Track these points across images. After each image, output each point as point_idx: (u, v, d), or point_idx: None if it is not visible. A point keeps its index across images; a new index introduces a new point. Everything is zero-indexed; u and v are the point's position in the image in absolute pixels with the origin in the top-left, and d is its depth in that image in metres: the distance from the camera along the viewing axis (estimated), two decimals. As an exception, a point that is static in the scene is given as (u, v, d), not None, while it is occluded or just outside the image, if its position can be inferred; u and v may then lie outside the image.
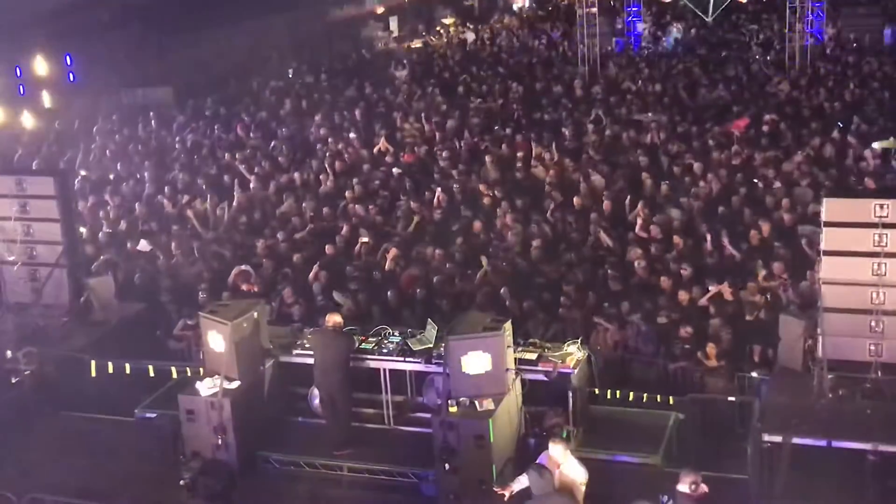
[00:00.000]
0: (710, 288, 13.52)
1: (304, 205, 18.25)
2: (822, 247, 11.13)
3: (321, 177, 19.83)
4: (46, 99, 25.99)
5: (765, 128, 21.07)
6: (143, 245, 16.34)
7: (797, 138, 20.27)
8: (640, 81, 27.53)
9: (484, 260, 14.91)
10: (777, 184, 17.20)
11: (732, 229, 15.31)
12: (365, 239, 16.14)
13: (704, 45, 33.61)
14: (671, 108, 23.85)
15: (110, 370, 12.84)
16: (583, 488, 9.25)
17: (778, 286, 13.50)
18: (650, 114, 23.00)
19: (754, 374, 12.01)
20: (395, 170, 20.03)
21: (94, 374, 12.91)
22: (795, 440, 10.22)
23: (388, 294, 14.36)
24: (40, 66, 25.93)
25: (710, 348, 12.29)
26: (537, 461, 9.16)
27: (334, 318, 11.91)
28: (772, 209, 16.13)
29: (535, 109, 24.84)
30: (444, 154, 20.72)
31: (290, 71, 32.09)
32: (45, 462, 12.13)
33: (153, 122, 25.71)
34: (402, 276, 15.06)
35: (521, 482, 9.31)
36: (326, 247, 16.12)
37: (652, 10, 38.03)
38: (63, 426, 12.94)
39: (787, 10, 29.53)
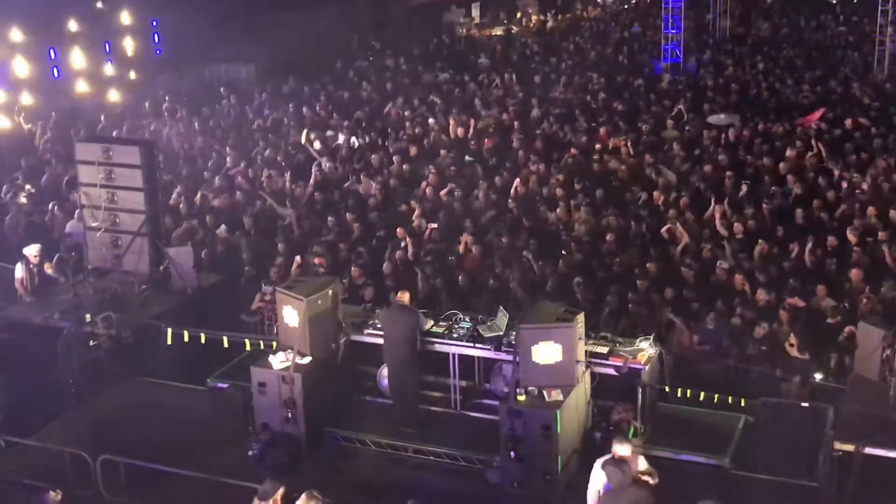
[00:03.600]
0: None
1: (379, 186, 18.36)
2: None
3: (395, 159, 19.91)
4: (133, 73, 26.58)
5: (840, 130, 20.68)
6: (223, 231, 16.56)
7: (882, 144, 19.82)
8: (720, 79, 27.20)
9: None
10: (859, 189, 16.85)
11: (812, 234, 15.05)
12: (434, 224, 16.20)
13: (791, 45, 32.98)
14: (752, 107, 23.46)
15: (185, 339, 13.06)
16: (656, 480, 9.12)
17: (857, 293, 13.25)
18: (723, 115, 22.63)
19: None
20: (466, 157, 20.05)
21: (169, 341, 13.14)
22: (868, 450, 10.04)
23: (459, 278, 14.42)
24: (128, 44, 26.56)
25: (792, 338, 12.09)
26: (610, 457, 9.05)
27: (404, 296, 12.05)
28: (853, 215, 15.80)
29: (615, 101, 24.64)
30: (519, 142, 20.67)
31: (370, 54, 32.20)
32: (118, 425, 12.41)
33: (234, 98, 26.03)
34: (466, 259, 15.11)
35: (597, 479, 9.05)
36: (398, 230, 16.19)
37: (738, 7, 37.42)
38: (137, 391, 13.22)
39: (879, 13, 28.85)
